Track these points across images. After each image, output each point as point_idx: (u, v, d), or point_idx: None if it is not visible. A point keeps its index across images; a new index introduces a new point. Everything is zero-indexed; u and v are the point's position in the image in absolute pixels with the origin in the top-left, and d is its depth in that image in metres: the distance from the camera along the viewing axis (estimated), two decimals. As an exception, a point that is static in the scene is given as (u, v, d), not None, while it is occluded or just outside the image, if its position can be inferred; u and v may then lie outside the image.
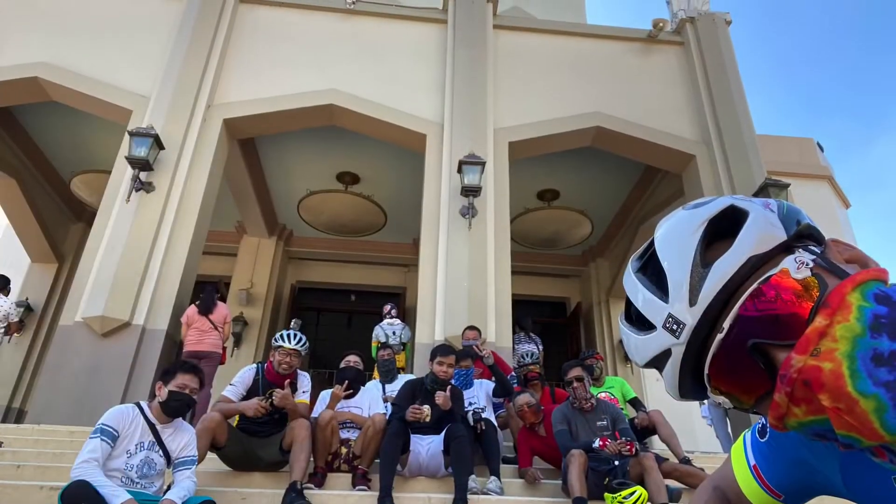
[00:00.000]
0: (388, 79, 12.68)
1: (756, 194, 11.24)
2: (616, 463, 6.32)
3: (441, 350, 7.28)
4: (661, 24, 13.83)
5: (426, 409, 6.59)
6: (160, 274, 10.25)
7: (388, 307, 12.20)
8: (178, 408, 5.06)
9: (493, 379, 7.97)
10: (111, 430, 4.78)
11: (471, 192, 10.92)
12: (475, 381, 8.09)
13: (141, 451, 4.87)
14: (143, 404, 5.11)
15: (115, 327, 9.64)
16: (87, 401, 8.94)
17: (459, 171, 11.01)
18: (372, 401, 7.54)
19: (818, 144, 20.36)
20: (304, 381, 6.97)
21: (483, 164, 11.03)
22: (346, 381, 7.34)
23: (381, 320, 12.03)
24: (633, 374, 16.29)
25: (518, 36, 13.78)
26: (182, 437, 5.12)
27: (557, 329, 19.15)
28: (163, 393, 5.05)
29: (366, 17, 13.46)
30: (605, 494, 5.98)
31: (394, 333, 11.63)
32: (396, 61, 12.99)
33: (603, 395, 8.57)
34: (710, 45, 13.65)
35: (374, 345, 11.41)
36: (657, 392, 15.61)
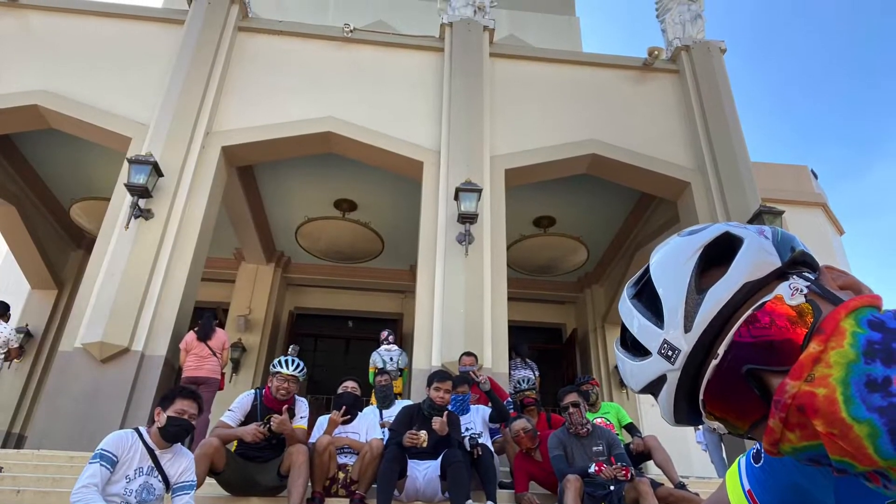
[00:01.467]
0: (386, 106, 12.73)
1: (751, 221, 11.31)
2: (612, 488, 6.36)
3: (438, 376, 7.33)
4: (656, 53, 13.92)
5: (423, 434, 6.64)
6: (159, 300, 10.25)
7: (385, 333, 12.23)
8: (176, 433, 5.08)
9: (490, 404, 8.00)
10: (110, 455, 4.81)
11: (467, 219, 10.95)
12: (472, 406, 8.12)
13: (140, 476, 4.90)
14: (143, 430, 5.15)
15: (114, 353, 9.65)
16: (87, 426, 8.93)
17: (456, 198, 11.05)
18: (369, 426, 7.58)
19: (812, 172, 20.44)
20: (302, 406, 7.01)
21: (479, 191, 11.08)
22: (344, 407, 7.38)
23: (379, 346, 12.05)
24: (628, 399, 16.32)
25: (514, 64, 13.86)
26: (181, 463, 5.14)
27: (553, 355, 19.17)
28: (161, 418, 5.07)
29: (363, 45, 13.54)
30: (601, 519, 6.02)
31: (391, 359, 11.65)
32: (393, 89, 13.04)
33: (599, 420, 8.60)
34: (704, 73, 13.69)
35: (371, 371, 11.43)
36: (652, 417, 15.62)
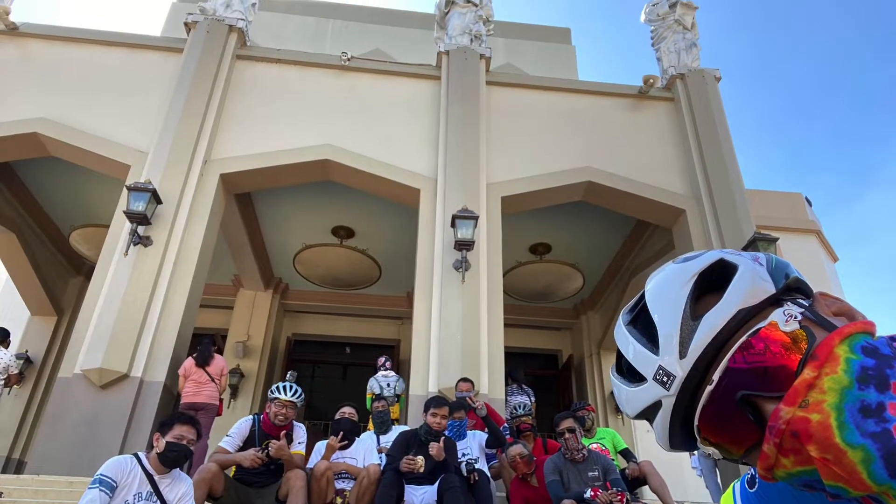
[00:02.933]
0: (383, 134, 12.80)
1: (745, 248, 11.35)
2: (606, 512, 6.41)
3: (435, 402, 7.39)
4: (651, 81, 13.98)
5: (420, 459, 6.68)
6: (158, 327, 10.27)
7: (382, 359, 12.23)
8: (175, 458, 5.13)
9: (487, 430, 8.05)
10: (109, 480, 4.85)
11: (464, 246, 10.99)
12: (468, 432, 8.17)
13: (139, 501, 4.94)
14: (141, 455, 5.19)
15: (113, 379, 9.65)
16: (86, 452, 8.92)
17: (453, 225, 11.10)
18: (367, 451, 7.61)
19: (806, 199, 20.47)
20: (300, 432, 7.06)
21: (476, 218, 11.13)
22: (342, 433, 7.43)
23: (376, 372, 12.08)
24: (623, 424, 16.30)
25: (511, 92, 13.95)
26: (179, 488, 5.19)
27: (549, 381, 19.21)
28: (160, 444, 5.12)
29: (361, 73, 13.63)
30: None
31: (388, 385, 11.66)
32: (391, 117, 13.11)
33: (594, 445, 8.64)
34: (699, 100, 13.73)
35: (368, 396, 11.46)
36: (648, 443, 15.64)
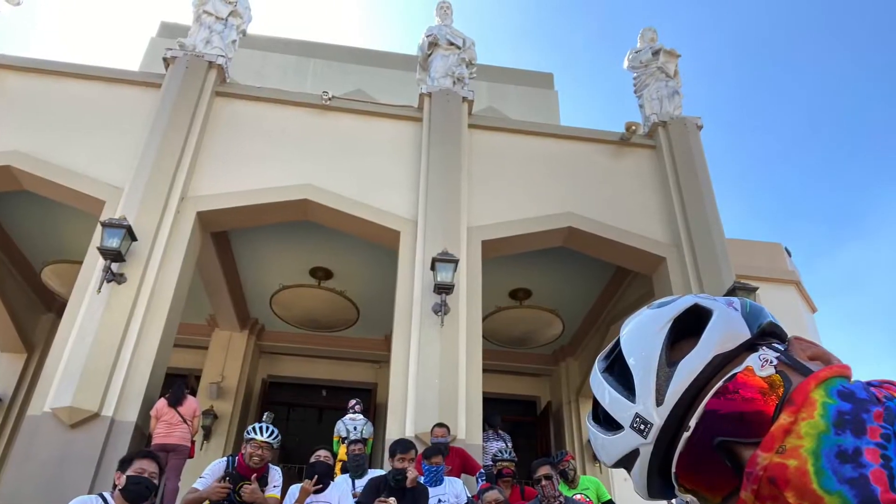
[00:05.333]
0: (363, 175, 12.76)
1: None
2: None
3: (401, 447, 7.34)
4: (633, 128, 14.05)
5: (392, 501, 6.59)
6: (130, 366, 10.10)
7: (352, 402, 12.21)
8: (138, 492, 5.04)
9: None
10: (74, 521, 4.76)
11: (443, 289, 10.93)
12: (445, 478, 8.07)
13: (104, 542, 4.84)
14: (106, 495, 5.11)
15: (83, 418, 9.47)
16: (55, 492, 8.71)
17: (432, 268, 11.04)
18: (341, 495, 7.51)
19: (786, 249, 20.69)
20: (276, 475, 6.97)
21: (456, 262, 11.08)
22: (316, 476, 7.33)
23: (345, 415, 12.03)
24: (601, 472, 16.21)
25: (492, 135, 13.98)
26: (146, 528, 5.09)
27: (527, 427, 19.10)
28: (122, 480, 5.04)
29: (342, 113, 13.61)
30: None
31: (355, 429, 11.60)
32: (371, 158, 13.08)
33: (578, 496, 8.57)
34: (681, 149, 13.82)
35: (335, 439, 11.40)
36: (626, 491, 15.52)
